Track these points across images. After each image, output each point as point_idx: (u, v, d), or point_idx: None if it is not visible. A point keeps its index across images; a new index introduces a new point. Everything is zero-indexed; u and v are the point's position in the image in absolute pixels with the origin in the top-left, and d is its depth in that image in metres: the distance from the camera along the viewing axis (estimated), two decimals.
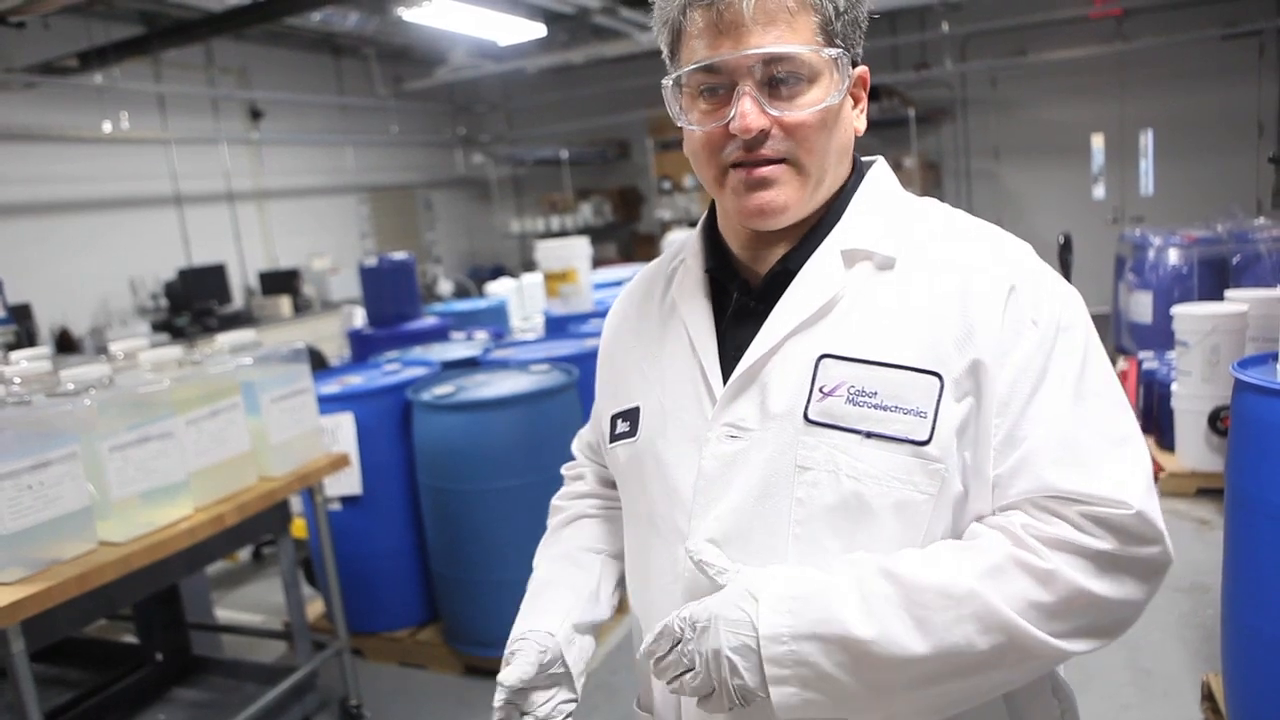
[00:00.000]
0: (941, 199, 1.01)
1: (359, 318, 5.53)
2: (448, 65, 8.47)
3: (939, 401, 0.84)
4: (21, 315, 5.73)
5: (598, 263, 6.93)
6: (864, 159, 1.02)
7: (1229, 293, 4.13)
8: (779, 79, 0.86)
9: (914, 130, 8.38)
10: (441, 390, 3.08)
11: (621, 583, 1.13)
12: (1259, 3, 7.55)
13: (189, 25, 6.48)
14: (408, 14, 6.46)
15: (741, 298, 0.97)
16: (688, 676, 0.84)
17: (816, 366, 0.88)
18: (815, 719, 0.82)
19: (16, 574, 1.79)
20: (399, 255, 5.08)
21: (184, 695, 2.70)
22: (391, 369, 3.51)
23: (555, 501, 1.24)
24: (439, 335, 4.65)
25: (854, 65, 0.91)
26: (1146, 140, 8.49)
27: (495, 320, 5.55)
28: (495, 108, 11.14)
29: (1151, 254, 5.45)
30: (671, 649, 0.85)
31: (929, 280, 0.89)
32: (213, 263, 7.47)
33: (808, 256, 0.93)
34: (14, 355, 2.50)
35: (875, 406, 0.85)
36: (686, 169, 9.12)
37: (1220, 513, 1.82)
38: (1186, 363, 3.86)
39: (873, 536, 0.86)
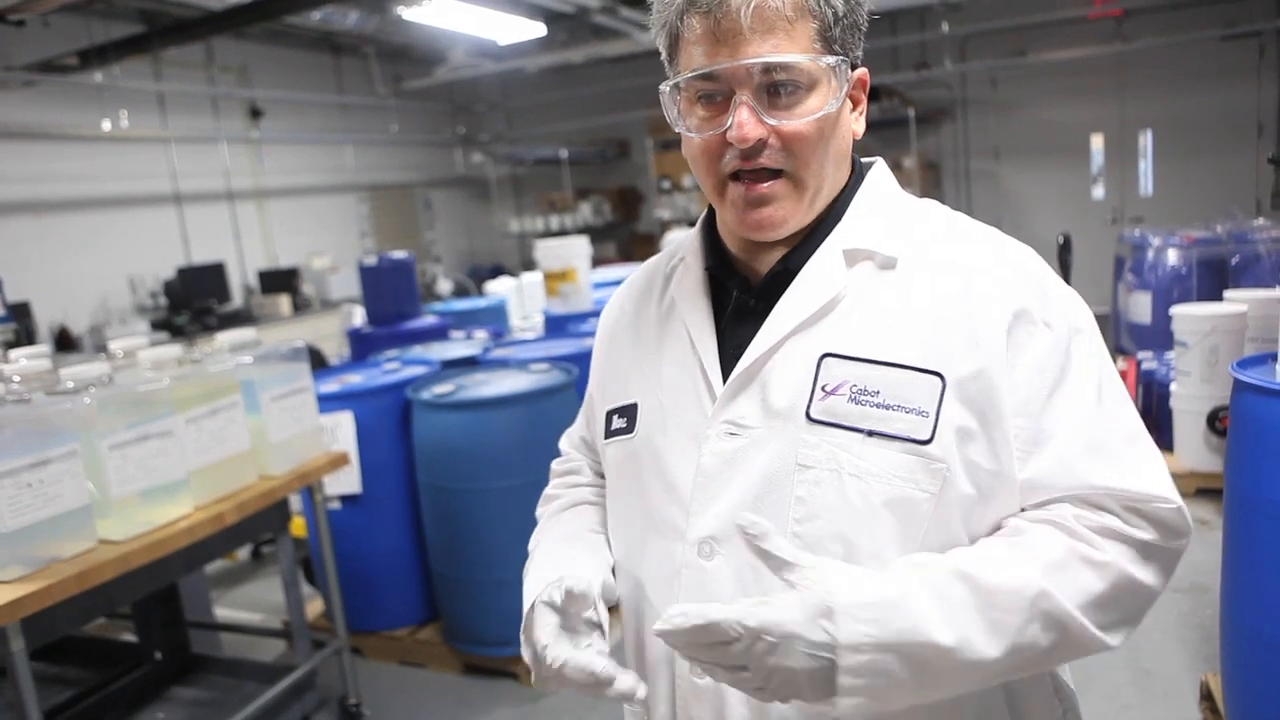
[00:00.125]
0: (941, 199, 1.01)
1: (358, 317, 5.53)
2: (447, 64, 8.47)
3: (941, 401, 0.85)
4: (21, 313, 5.72)
5: (597, 262, 6.93)
6: (864, 160, 1.02)
7: (1228, 293, 4.13)
8: (777, 87, 0.86)
9: (914, 130, 8.38)
10: (441, 389, 3.08)
11: None
12: (1259, 3, 7.55)
13: (189, 24, 6.48)
14: (407, 13, 6.46)
15: (741, 296, 0.97)
16: (743, 676, 0.77)
17: (819, 365, 0.88)
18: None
19: (16, 572, 1.79)
20: (399, 254, 5.09)
21: (183, 694, 2.70)
22: (391, 368, 3.51)
23: (549, 491, 1.21)
24: (438, 334, 4.66)
25: (853, 68, 0.91)
26: (1146, 141, 8.50)
27: (495, 319, 5.55)
28: (495, 107, 11.14)
29: (1151, 254, 5.45)
30: (719, 645, 0.77)
31: (931, 281, 0.89)
32: (212, 261, 7.46)
33: (808, 256, 0.94)
34: (13, 353, 2.50)
35: (877, 405, 0.86)
36: (686, 169, 9.11)
37: (1219, 513, 1.82)
38: (1185, 363, 3.87)
39: (873, 535, 0.86)
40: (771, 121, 0.86)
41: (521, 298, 6.06)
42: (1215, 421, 3.75)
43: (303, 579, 3.30)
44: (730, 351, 0.95)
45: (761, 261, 0.97)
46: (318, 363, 4.97)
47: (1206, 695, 2.44)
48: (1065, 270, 5.16)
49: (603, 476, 1.16)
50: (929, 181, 8.84)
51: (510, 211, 11.21)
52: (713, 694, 0.91)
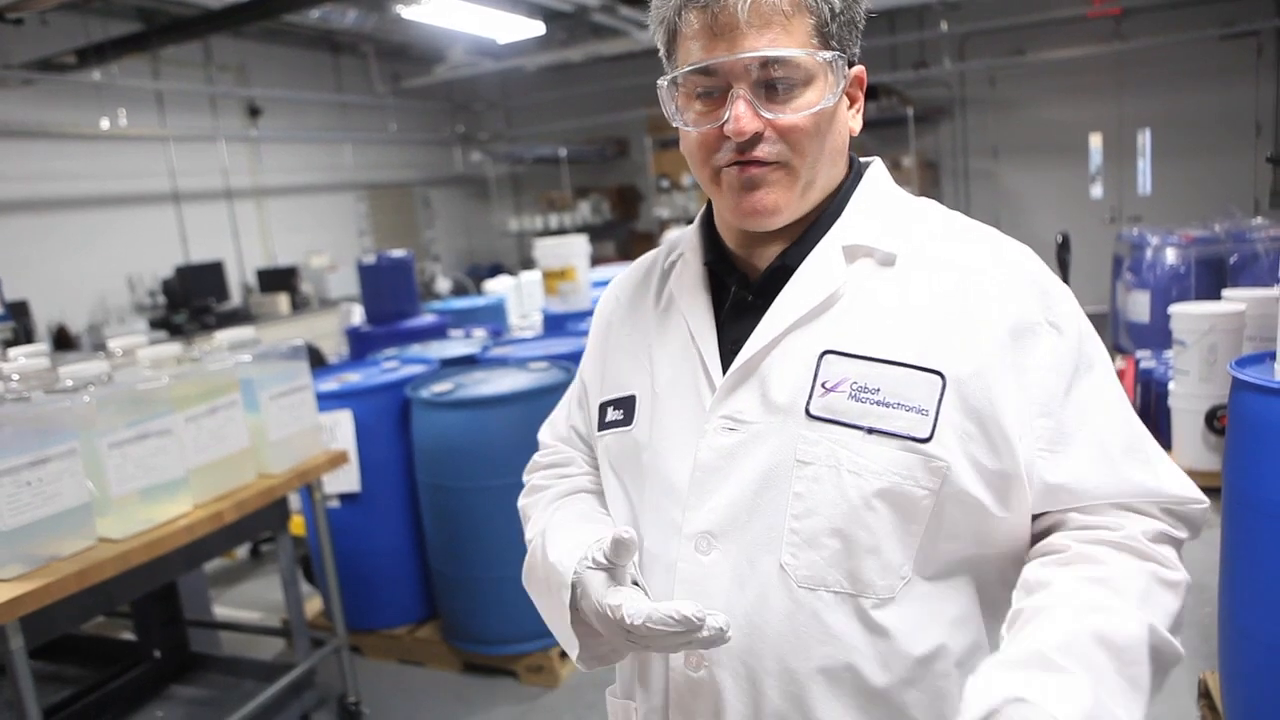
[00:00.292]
0: (939, 198, 1.02)
1: (357, 315, 5.53)
2: (446, 63, 8.46)
3: (940, 400, 0.85)
4: (19, 312, 5.72)
5: (596, 261, 6.93)
6: (861, 160, 1.02)
7: (1226, 292, 4.13)
8: (773, 81, 0.87)
9: (912, 129, 8.38)
10: (440, 388, 3.08)
11: None
12: (1257, 3, 7.56)
13: (187, 22, 6.47)
14: (406, 11, 6.45)
15: (740, 291, 0.98)
16: None
17: (819, 362, 0.89)
18: None
19: (15, 570, 1.79)
20: (397, 253, 5.08)
21: (182, 692, 2.69)
22: (390, 366, 3.51)
23: (536, 481, 1.17)
24: (437, 333, 4.65)
25: (850, 65, 0.91)
26: (1144, 140, 8.50)
27: (493, 318, 5.55)
28: (494, 106, 11.14)
29: (1149, 253, 5.46)
30: None
31: (931, 279, 0.90)
32: (211, 260, 7.46)
33: (807, 252, 0.94)
34: (12, 352, 2.50)
35: (877, 403, 0.86)
36: (685, 167, 9.10)
37: (1217, 511, 1.82)
38: (1184, 362, 3.87)
39: (871, 531, 0.86)
40: (768, 115, 0.87)
41: (520, 296, 6.06)
42: (1213, 420, 3.76)
43: (302, 577, 3.29)
44: (728, 347, 0.95)
45: (760, 257, 0.98)
46: (316, 361, 4.97)
47: (1204, 693, 2.45)
48: (1064, 269, 5.16)
49: (593, 465, 1.15)
50: (927, 180, 8.85)
51: (509, 210, 11.21)
52: (710, 689, 0.91)
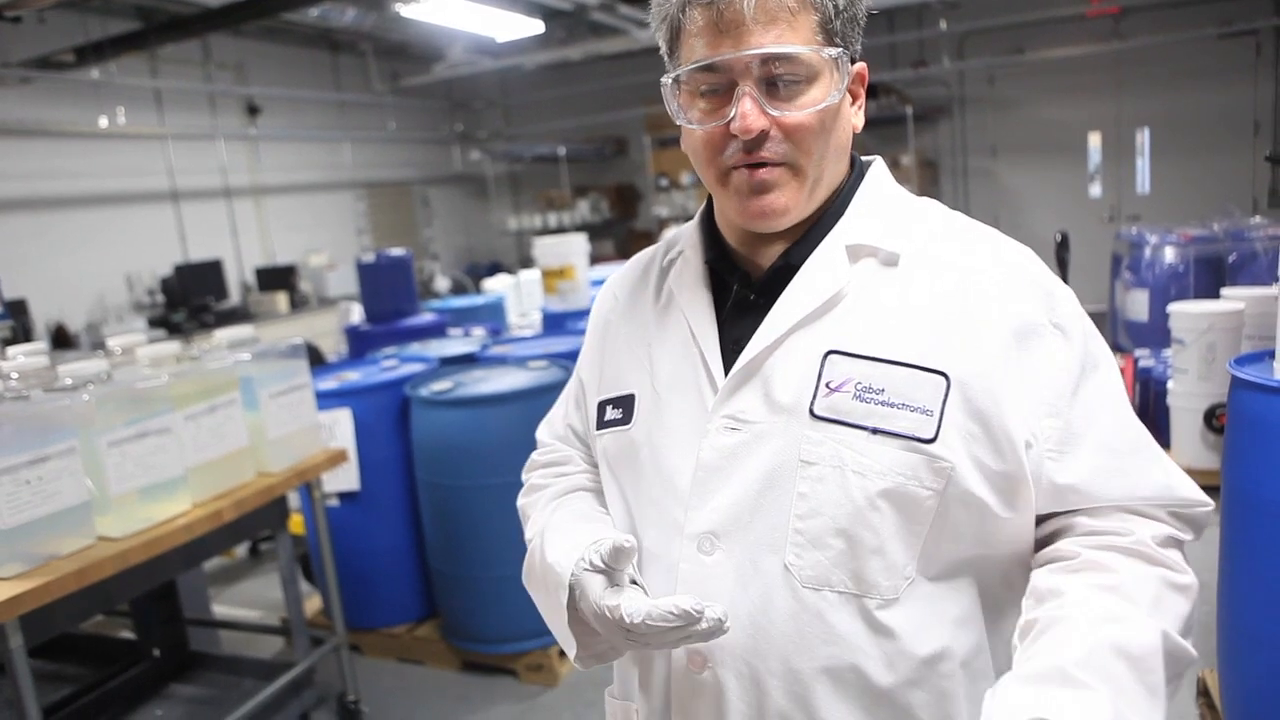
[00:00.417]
0: (939, 197, 1.02)
1: (356, 314, 5.53)
2: (445, 61, 8.45)
3: (945, 400, 0.85)
4: (17, 310, 5.71)
5: (595, 259, 6.92)
6: (863, 159, 1.02)
7: (1225, 291, 4.14)
8: (779, 78, 0.86)
9: (911, 128, 8.38)
10: (439, 386, 3.08)
11: None
12: (1255, 2, 7.56)
13: (185, 20, 6.46)
14: (405, 10, 6.44)
15: (742, 290, 0.97)
16: None
17: (823, 362, 0.88)
18: None
19: (15, 569, 1.79)
20: (396, 252, 5.08)
21: (181, 691, 2.69)
22: (389, 365, 3.51)
23: (534, 480, 1.17)
24: (436, 332, 4.65)
25: (852, 62, 0.91)
26: (1143, 138, 8.50)
27: (492, 317, 5.55)
28: (493, 104, 11.13)
29: (1148, 252, 5.46)
30: None
31: (934, 279, 0.90)
32: (209, 259, 7.45)
33: (810, 251, 0.94)
34: (11, 350, 2.49)
35: (882, 403, 0.86)
36: (684, 166, 9.13)
37: (1216, 510, 1.82)
38: (1183, 360, 3.87)
39: (876, 532, 0.86)
40: (774, 113, 0.86)
41: (519, 295, 6.05)
42: (1212, 419, 3.76)
43: (301, 576, 3.29)
44: (730, 346, 0.95)
45: (762, 256, 0.97)
46: (315, 360, 4.96)
47: (1203, 691, 2.45)
48: (1063, 268, 5.16)
49: (596, 466, 1.15)
50: (926, 179, 8.85)
51: (508, 209, 11.21)
52: (712, 689, 0.91)
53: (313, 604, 3.41)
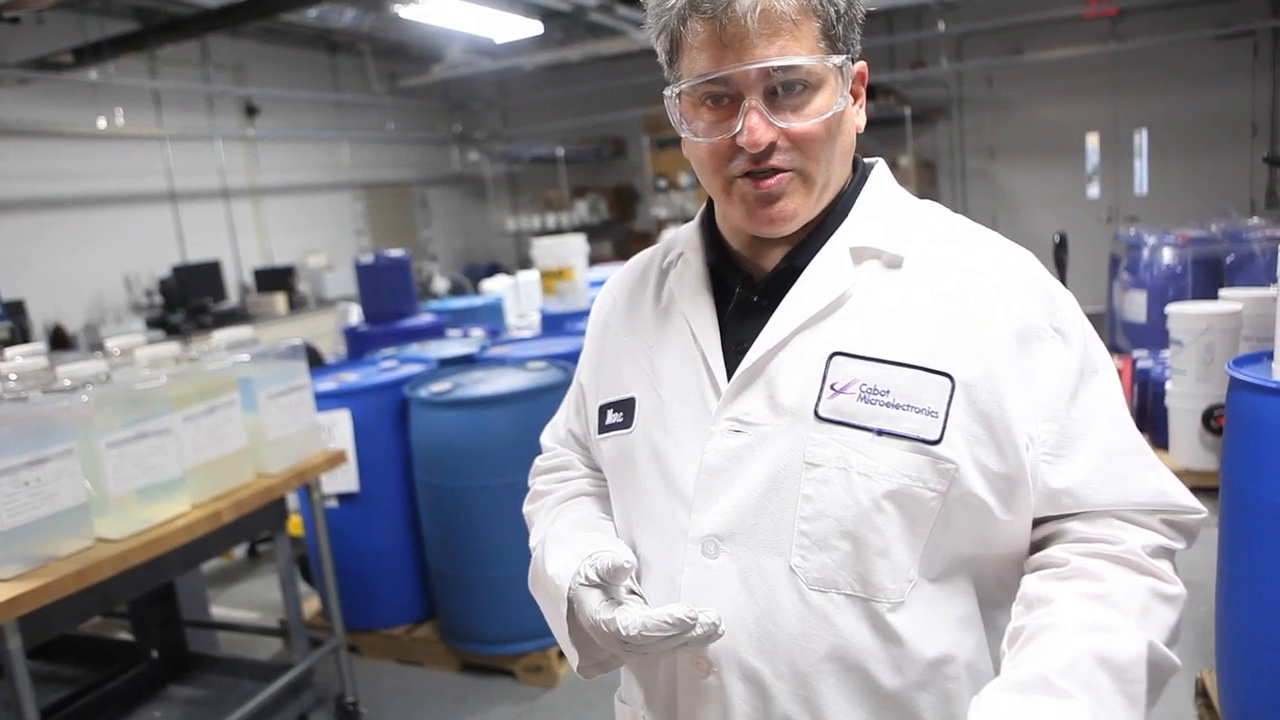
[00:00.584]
0: (937, 198, 1.02)
1: (355, 315, 5.52)
2: (444, 62, 8.45)
3: (950, 402, 0.85)
4: (15, 312, 5.70)
5: (593, 260, 6.92)
6: (865, 160, 1.02)
7: (1223, 292, 4.14)
8: (784, 88, 0.86)
9: (909, 129, 8.39)
10: (438, 387, 3.08)
11: None
12: (1253, 3, 7.58)
13: (184, 21, 6.46)
14: (404, 10, 6.44)
15: (744, 292, 0.97)
16: None
17: (828, 364, 0.88)
18: None
19: (13, 570, 1.79)
20: (395, 252, 5.07)
21: (180, 692, 2.69)
22: (388, 366, 3.50)
23: (538, 487, 1.18)
24: (435, 333, 4.65)
25: (853, 63, 0.91)
26: (1141, 140, 8.51)
27: (491, 318, 5.55)
28: (491, 105, 11.13)
29: (1146, 253, 5.46)
30: None
31: (937, 282, 0.90)
32: (207, 260, 7.44)
33: (814, 253, 0.94)
34: (9, 352, 2.49)
35: (887, 405, 0.86)
36: (682, 167, 9.13)
37: (1215, 511, 1.82)
38: (1181, 361, 3.88)
39: (881, 534, 0.86)
40: (781, 124, 0.86)
41: (518, 296, 6.05)
42: (1210, 420, 3.77)
43: (299, 577, 3.29)
44: (733, 348, 0.94)
45: (765, 258, 0.97)
46: (314, 361, 4.96)
47: (1201, 692, 2.46)
48: (1061, 269, 5.17)
49: (596, 470, 1.15)
50: (925, 180, 8.85)
51: (506, 210, 11.20)
52: (717, 693, 0.91)
53: (311, 605, 3.40)
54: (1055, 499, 0.89)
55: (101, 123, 6.63)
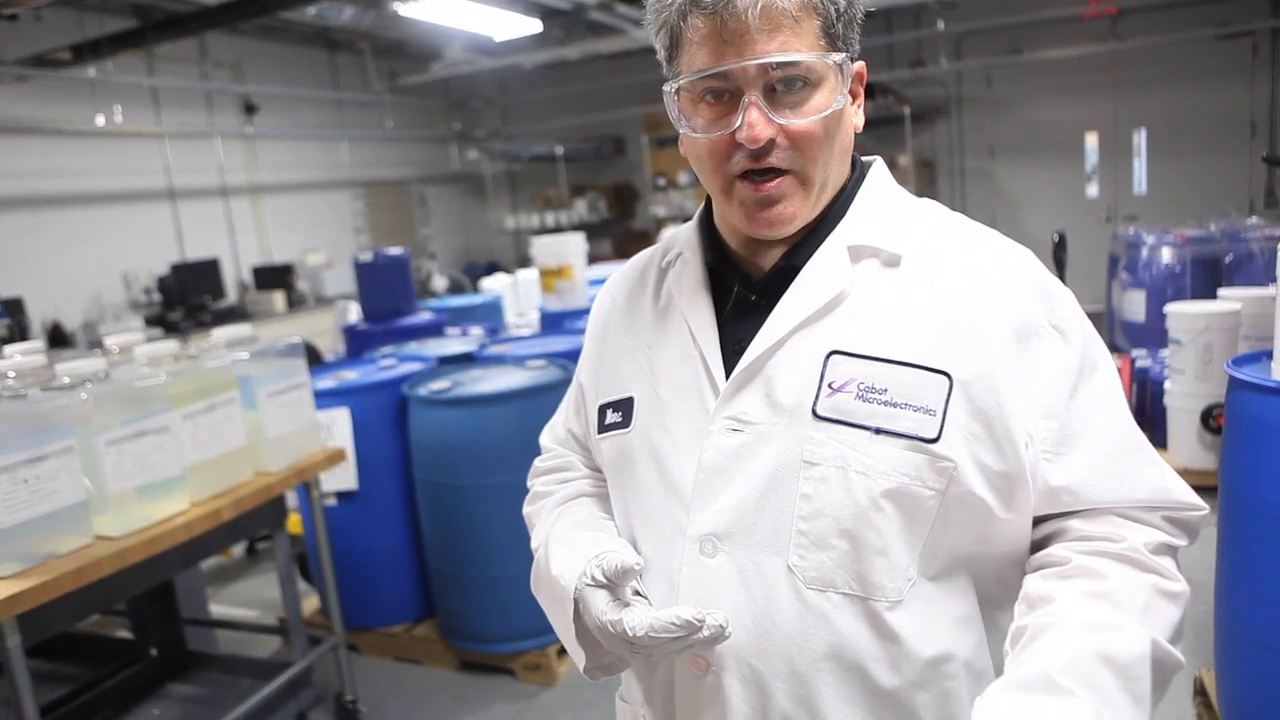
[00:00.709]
0: (936, 197, 1.02)
1: (354, 313, 5.52)
2: (443, 60, 8.44)
3: (948, 400, 0.85)
4: (13, 309, 5.70)
5: (593, 259, 6.92)
6: (863, 159, 1.02)
7: (1222, 291, 4.15)
8: (784, 85, 0.86)
9: (909, 128, 8.39)
10: (438, 385, 3.08)
11: None
12: (1252, 3, 7.58)
13: (182, 18, 6.45)
14: (403, 9, 6.44)
15: (743, 292, 0.97)
16: None
17: (825, 362, 0.88)
18: None
19: (12, 568, 1.79)
20: (394, 251, 5.07)
21: (179, 690, 2.69)
22: (387, 364, 3.50)
23: (538, 488, 1.19)
24: (434, 331, 4.65)
25: (852, 62, 0.90)
26: (1140, 139, 8.52)
27: (490, 316, 5.55)
28: (490, 103, 11.12)
29: (1145, 252, 5.47)
30: None
31: (935, 280, 0.90)
32: (206, 257, 7.44)
33: (812, 252, 0.93)
34: (8, 349, 2.49)
35: (884, 403, 0.86)
36: (681, 166, 9.12)
37: (1213, 510, 1.83)
38: (1180, 361, 3.88)
39: (879, 533, 0.86)
40: (780, 121, 0.86)
41: (517, 294, 6.05)
42: (1209, 419, 3.77)
43: (298, 575, 3.29)
44: (731, 347, 0.94)
45: (763, 257, 0.97)
46: (313, 359, 4.96)
47: (1200, 691, 2.46)
48: (1060, 268, 5.17)
49: (596, 470, 1.15)
50: (924, 179, 8.86)
51: (506, 208, 11.20)
52: (715, 692, 0.91)
53: (310, 603, 3.40)
54: (1055, 497, 0.88)
55: (100, 120, 6.62)
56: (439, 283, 8.94)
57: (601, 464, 1.08)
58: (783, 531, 0.87)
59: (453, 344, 4.05)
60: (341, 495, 3.14)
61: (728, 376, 0.93)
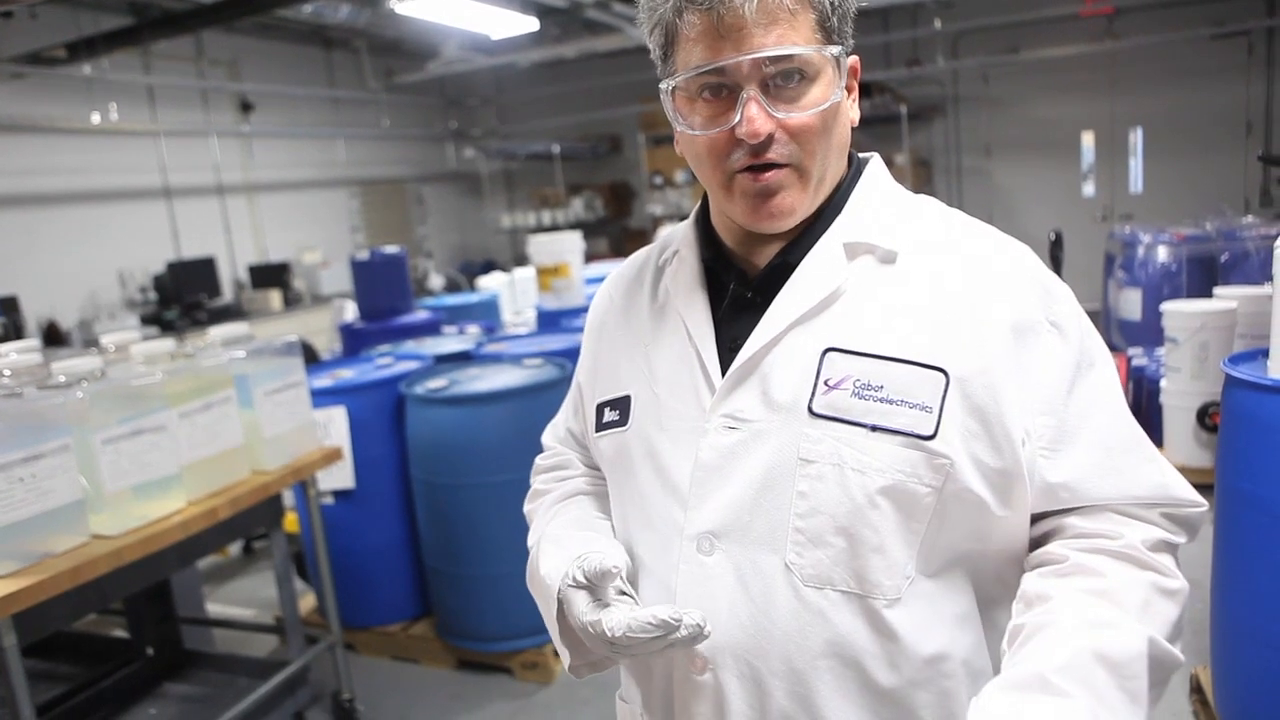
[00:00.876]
0: (933, 196, 1.02)
1: (350, 312, 5.51)
2: (439, 59, 8.43)
3: (944, 397, 0.85)
4: (9, 308, 5.70)
5: (589, 257, 6.92)
6: (860, 155, 1.02)
7: (1218, 290, 4.16)
8: (782, 79, 0.85)
9: (905, 127, 8.40)
10: (434, 384, 3.08)
11: None
12: (1248, 2, 7.60)
13: (178, 16, 6.43)
14: (399, 6, 6.42)
15: (739, 289, 0.97)
16: None
17: (821, 360, 0.88)
18: None
19: (8, 567, 1.78)
20: (390, 249, 5.06)
21: (175, 690, 2.69)
22: (384, 363, 3.50)
23: (537, 486, 1.19)
24: (431, 329, 4.64)
25: (847, 56, 0.90)
26: (1136, 138, 8.54)
27: (487, 315, 5.54)
28: (487, 102, 11.11)
29: (1141, 251, 5.48)
30: None
31: (932, 277, 0.90)
32: (202, 256, 7.42)
33: (808, 249, 0.93)
34: (2, 348, 2.48)
35: (881, 400, 0.85)
36: (678, 164, 9.12)
37: (1210, 508, 1.83)
38: (1176, 359, 3.89)
39: (876, 530, 0.86)
40: (778, 115, 0.86)
41: (514, 293, 6.05)
42: (1205, 417, 3.79)
43: (295, 574, 3.29)
44: (727, 345, 0.94)
45: (759, 254, 0.97)
46: (309, 358, 4.95)
47: (1196, 688, 2.47)
48: (1057, 266, 5.18)
49: (594, 468, 1.15)
50: (921, 178, 8.86)
51: (502, 207, 11.19)
52: (712, 690, 0.91)
53: (307, 602, 3.40)
54: (1053, 493, 0.88)
55: (95, 118, 6.61)
56: (436, 281, 8.94)
57: (600, 462, 1.08)
58: (779, 529, 0.87)
59: (449, 342, 4.05)
60: (338, 494, 3.14)
61: (724, 374, 0.92)
